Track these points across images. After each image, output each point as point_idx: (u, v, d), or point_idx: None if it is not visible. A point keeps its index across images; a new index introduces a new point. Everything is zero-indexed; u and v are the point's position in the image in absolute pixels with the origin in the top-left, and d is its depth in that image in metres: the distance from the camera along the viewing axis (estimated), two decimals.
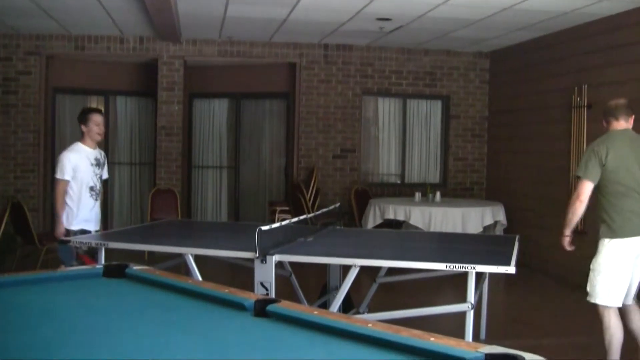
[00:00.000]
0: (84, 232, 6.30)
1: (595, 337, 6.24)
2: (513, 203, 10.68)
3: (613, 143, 5.40)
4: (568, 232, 5.57)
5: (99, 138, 6.57)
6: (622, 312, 5.48)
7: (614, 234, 5.31)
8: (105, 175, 6.76)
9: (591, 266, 5.41)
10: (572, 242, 5.61)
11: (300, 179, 11.56)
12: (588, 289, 5.41)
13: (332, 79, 11.82)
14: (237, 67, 12.21)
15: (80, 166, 6.37)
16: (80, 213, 6.40)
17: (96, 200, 6.52)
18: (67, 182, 6.32)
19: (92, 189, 6.44)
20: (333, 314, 3.13)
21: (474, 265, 4.74)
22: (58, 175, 6.36)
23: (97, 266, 3.90)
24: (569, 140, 9.29)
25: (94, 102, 12.33)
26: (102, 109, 12.18)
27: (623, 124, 5.52)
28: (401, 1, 8.46)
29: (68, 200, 6.38)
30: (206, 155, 12.65)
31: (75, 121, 11.95)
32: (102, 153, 6.74)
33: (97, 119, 6.51)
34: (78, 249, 6.13)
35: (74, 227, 6.34)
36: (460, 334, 4.59)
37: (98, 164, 6.53)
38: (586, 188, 5.39)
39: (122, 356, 2.36)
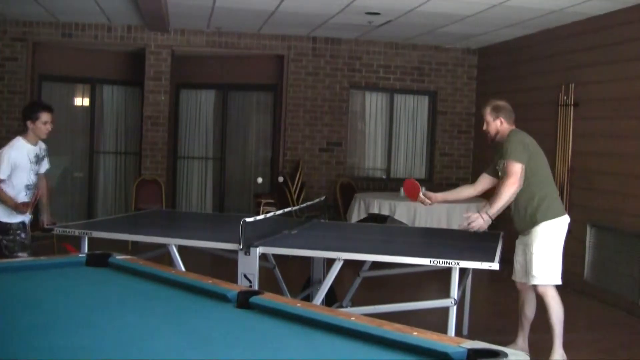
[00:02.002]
0: (23, 224, 6.15)
1: (577, 334, 6.30)
2: None
3: (528, 137, 5.77)
4: (495, 215, 5.71)
5: (45, 137, 6.30)
6: (524, 291, 5.91)
7: (548, 216, 5.60)
8: (45, 168, 6.48)
9: (531, 250, 5.62)
10: None
11: (286, 171, 11.54)
12: (534, 272, 5.60)
13: (319, 72, 11.80)
14: (224, 58, 12.17)
15: (19, 165, 6.10)
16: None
17: (28, 197, 6.20)
18: (2, 180, 6.00)
19: (27, 187, 6.19)
20: (316, 306, 3.13)
21: (458, 261, 4.76)
22: None
23: (80, 255, 3.87)
24: (554, 138, 9.31)
25: (80, 90, 12.27)
26: (88, 98, 12.18)
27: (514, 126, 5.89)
28: None
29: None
30: (192, 146, 12.60)
31: (60, 109, 12.01)
32: (43, 146, 6.42)
33: (46, 118, 6.20)
34: (22, 240, 6.06)
35: (16, 220, 6.10)
36: (443, 329, 4.60)
37: (37, 160, 6.29)
38: (521, 170, 5.58)
39: (103, 345, 2.35)
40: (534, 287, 5.68)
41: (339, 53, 11.83)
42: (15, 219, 6.14)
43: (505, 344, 2.27)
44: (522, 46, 10.55)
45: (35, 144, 6.26)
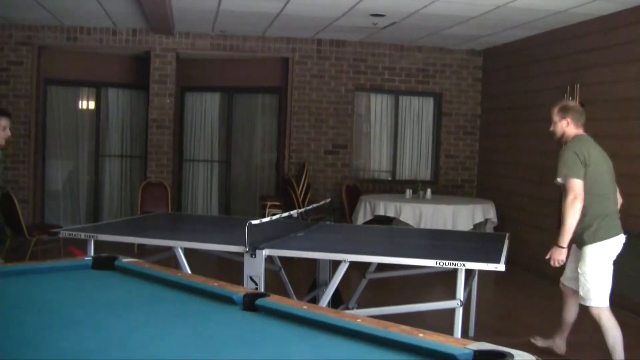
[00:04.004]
0: None
1: (583, 336, 6.29)
2: (504, 201, 10.70)
3: (589, 145, 5.50)
4: (567, 242, 5.46)
5: (3, 143, 6.24)
6: (566, 296, 5.91)
7: (599, 237, 5.43)
8: None
9: (579, 270, 5.51)
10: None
11: (291, 173, 11.55)
12: (581, 293, 5.51)
13: (324, 74, 11.81)
14: (229, 61, 12.19)
15: None
16: None
17: None
18: None
19: None
20: (322, 308, 3.13)
21: (464, 263, 4.76)
22: None
23: (86, 258, 3.88)
24: None
25: (85, 93, 12.30)
26: (93, 101, 12.20)
27: (583, 130, 5.64)
28: None
29: None
30: (197, 148, 12.62)
31: (65, 112, 12.02)
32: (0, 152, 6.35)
33: (4, 123, 6.15)
34: None
35: None
36: (449, 331, 4.60)
37: None
38: (581, 186, 5.36)
39: (110, 347, 2.36)
40: (588, 309, 5.54)
41: (344, 55, 11.83)
42: None
43: (511, 346, 2.27)
44: (527, 47, 10.54)
45: None
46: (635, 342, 6.58)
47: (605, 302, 5.47)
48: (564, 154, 5.47)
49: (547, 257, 5.53)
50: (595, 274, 5.45)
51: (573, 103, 5.75)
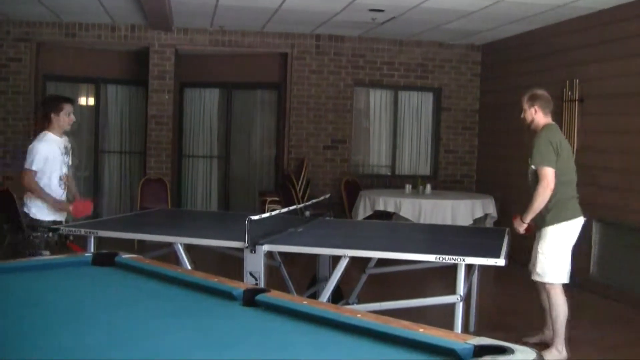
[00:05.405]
0: (55, 223, 6.10)
1: (581, 331, 6.29)
2: (503, 196, 10.68)
3: (559, 135, 5.93)
4: (529, 220, 5.88)
5: (68, 128, 6.39)
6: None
7: (559, 219, 5.77)
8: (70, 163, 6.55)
9: (539, 249, 5.83)
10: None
11: (290, 169, 11.55)
12: (538, 270, 5.83)
13: (323, 70, 11.80)
14: (228, 56, 12.17)
15: (50, 156, 6.16)
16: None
17: (64, 189, 6.33)
18: (35, 172, 6.05)
19: (61, 178, 6.26)
20: (322, 304, 3.13)
21: (464, 257, 4.76)
22: (27, 166, 6.07)
23: (86, 254, 3.88)
24: None
25: (84, 89, 12.29)
26: (93, 98, 12.20)
27: (551, 118, 6.02)
28: None
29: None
30: (196, 144, 12.62)
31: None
32: (69, 139, 6.52)
33: (69, 109, 6.30)
34: (48, 239, 6.05)
35: (46, 217, 6.12)
36: (450, 326, 4.60)
37: (66, 152, 6.38)
38: (553, 174, 5.71)
39: (110, 344, 2.35)
40: (542, 284, 5.85)
41: (343, 50, 11.82)
42: (48, 217, 6.15)
43: (511, 340, 2.27)
44: (526, 42, 10.52)
45: (61, 137, 6.34)
46: (635, 338, 6.59)
47: (559, 280, 5.76)
48: (538, 142, 5.80)
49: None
50: (553, 253, 5.76)
51: (541, 91, 6.04)
